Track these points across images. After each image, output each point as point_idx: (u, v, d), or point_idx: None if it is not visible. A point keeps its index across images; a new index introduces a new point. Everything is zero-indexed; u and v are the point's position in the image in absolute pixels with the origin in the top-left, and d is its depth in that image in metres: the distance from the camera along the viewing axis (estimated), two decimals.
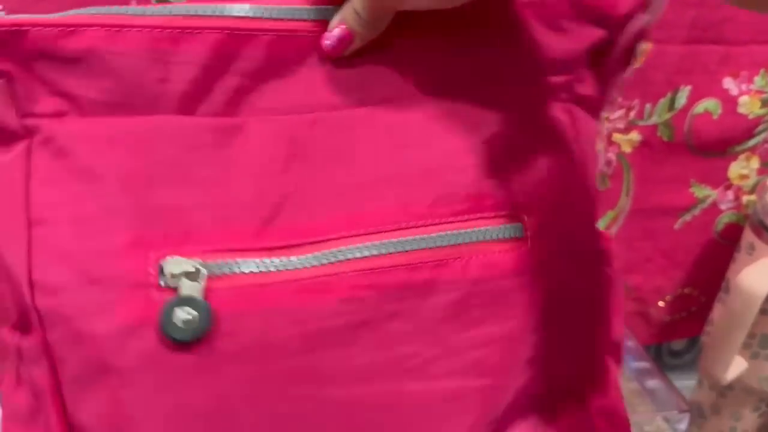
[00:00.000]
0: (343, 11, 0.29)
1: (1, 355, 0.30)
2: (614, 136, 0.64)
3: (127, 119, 0.29)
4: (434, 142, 0.31)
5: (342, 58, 0.30)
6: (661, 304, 0.74)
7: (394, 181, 0.31)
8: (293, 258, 0.29)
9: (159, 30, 0.28)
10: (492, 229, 0.31)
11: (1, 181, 0.29)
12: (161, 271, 0.28)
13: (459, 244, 0.31)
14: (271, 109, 0.30)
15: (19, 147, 0.28)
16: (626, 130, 0.64)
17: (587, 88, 0.35)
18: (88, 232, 0.28)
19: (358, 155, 0.31)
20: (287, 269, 0.29)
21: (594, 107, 0.36)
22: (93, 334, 0.27)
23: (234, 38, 0.29)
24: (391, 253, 0.30)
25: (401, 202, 0.31)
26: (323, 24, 0.30)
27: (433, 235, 0.30)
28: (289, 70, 0.30)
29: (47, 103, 0.28)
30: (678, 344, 0.80)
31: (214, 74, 0.29)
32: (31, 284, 0.28)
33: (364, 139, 0.31)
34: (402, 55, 0.31)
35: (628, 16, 0.34)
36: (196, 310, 0.27)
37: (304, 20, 0.30)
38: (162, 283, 0.27)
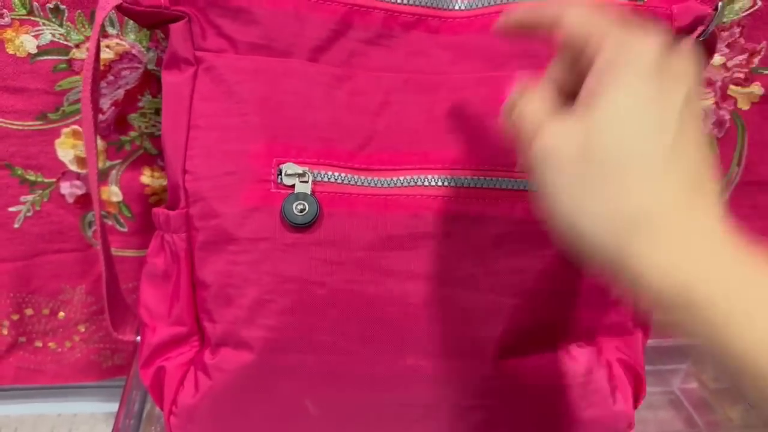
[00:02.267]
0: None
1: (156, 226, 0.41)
2: (730, 88, 0.51)
3: (268, 59, 0.37)
4: (501, 107, 0.37)
5: (438, 38, 0.39)
6: None
7: (462, 132, 0.38)
8: (376, 178, 0.38)
9: None
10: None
11: (175, 93, 0.38)
12: (279, 172, 0.37)
13: (509, 189, 0.38)
14: (376, 67, 0.38)
15: (190, 71, 0.38)
16: (746, 81, 0.51)
17: None
18: (229, 138, 0.37)
19: (436, 109, 0.38)
20: (370, 186, 0.38)
21: None
22: (223, 212, 0.37)
23: (354, 12, 0.38)
24: (451, 186, 0.38)
25: (466, 148, 0.38)
26: (427, 8, 0.39)
27: (488, 178, 0.38)
28: (394, 40, 0.39)
29: (213, 41, 0.37)
30: None
31: (336, 36, 0.38)
32: (184, 171, 0.38)
33: (443, 98, 0.38)
34: (485, 39, 0.38)
35: (684, 31, 0.39)
36: (308, 202, 0.36)
37: (408, 5, 0.38)
38: (279, 180, 0.37)
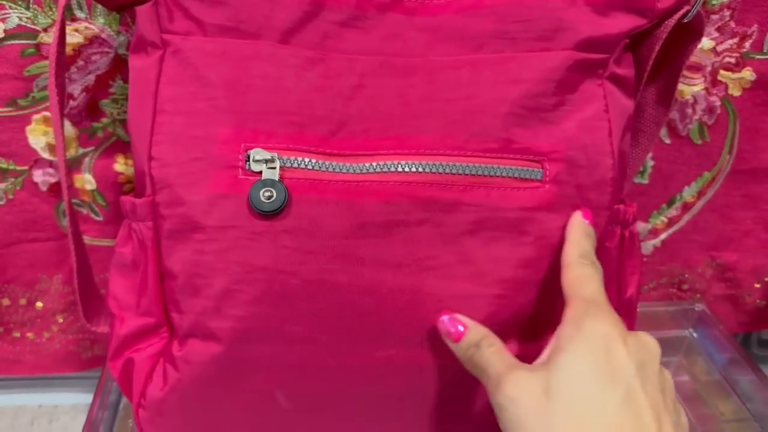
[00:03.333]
0: None
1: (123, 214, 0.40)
2: (721, 73, 0.50)
3: (236, 41, 0.36)
4: (478, 91, 0.38)
5: (414, 19, 0.38)
6: (757, 286, 0.60)
7: (437, 117, 0.37)
8: (348, 164, 0.36)
9: None
10: (515, 168, 0.37)
11: (141, 77, 0.38)
12: (247, 158, 0.36)
13: (484, 176, 0.37)
14: (350, 50, 0.37)
15: (156, 54, 0.37)
16: (738, 66, 0.50)
17: (623, 68, 0.40)
18: (196, 123, 0.36)
19: (411, 93, 0.37)
20: (342, 172, 0.36)
21: (628, 87, 0.41)
22: (189, 199, 0.36)
23: None
24: (426, 173, 0.37)
25: (441, 134, 0.37)
26: None
27: (463, 164, 0.37)
28: (369, 22, 0.38)
29: (180, 23, 0.37)
30: None
31: (308, 18, 0.37)
32: (150, 157, 0.37)
33: (419, 81, 0.38)
34: (462, 20, 0.38)
35: (669, 12, 0.39)
36: (275, 189, 0.35)
37: None
38: (247, 167, 0.36)
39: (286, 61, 0.36)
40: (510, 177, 0.37)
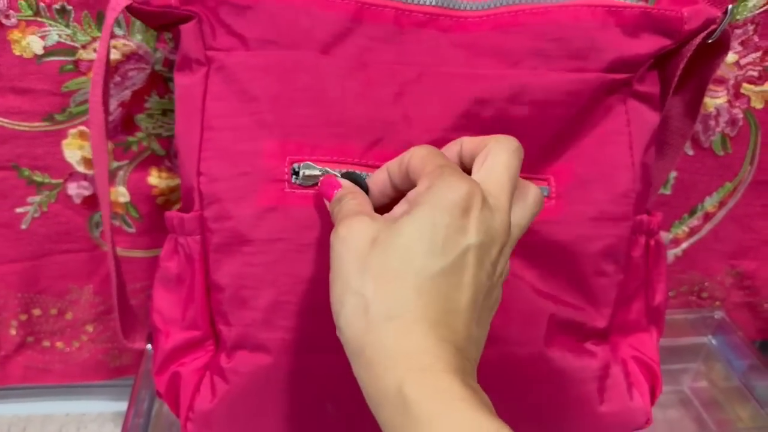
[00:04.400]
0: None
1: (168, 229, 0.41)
2: (744, 86, 0.50)
3: (278, 53, 0.37)
4: (511, 110, 0.38)
5: (450, 35, 0.39)
6: None
7: (467, 130, 0.37)
8: None
9: None
10: None
11: (188, 95, 0.38)
12: (293, 171, 0.37)
13: None
14: (388, 61, 0.38)
15: (202, 71, 0.38)
16: (760, 80, 0.50)
17: (647, 86, 0.41)
18: (242, 138, 0.37)
19: (451, 104, 0.38)
20: None
21: (653, 102, 0.42)
22: (237, 213, 0.37)
23: (365, 9, 0.37)
24: None
25: None
26: (438, 8, 0.38)
27: None
28: (406, 37, 0.38)
29: (223, 39, 0.37)
30: None
31: (346, 33, 0.37)
32: (199, 173, 0.37)
33: (458, 93, 0.38)
34: (498, 37, 0.38)
35: (695, 33, 0.40)
36: None
37: (419, 5, 0.38)
38: (293, 180, 0.37)
39: (327, 71, 0.37)
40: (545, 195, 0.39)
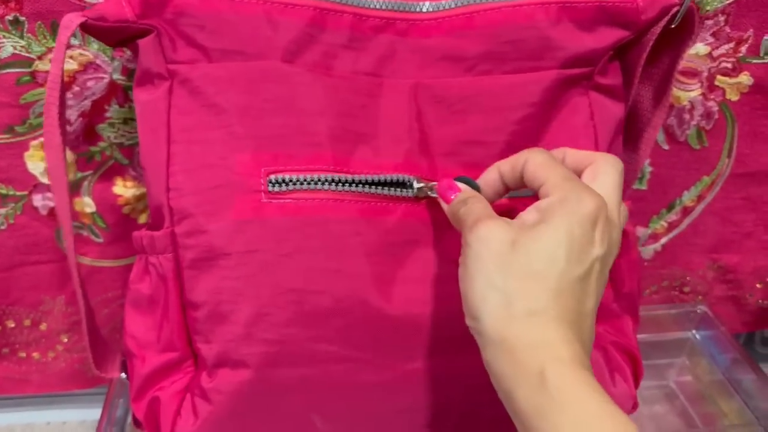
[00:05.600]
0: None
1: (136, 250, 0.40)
2: (718, 78, 0.49)
3: (243, 64, 0.36)
4: (468, 118, 0.39)
5: (407, 40, 0.38)
6: (759, 286, 0.60)
7: (430, 144, 0.39)
8: (368, 182, 0.37)
9: (270, 2, 0.36)
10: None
11: (150, 110, 0.37)
12: (270, 182, 0.36)
13: None
14: (347, 70, 0.38)
15: (164, 86, 0.37)
16: (735, 71, 0.49)
17: (609, 78, 0.41)
18: (213, 151, 0.36)
19: (409, 115, 0.38)
20: (363, 192, 0.37)
21: (616, 93, 0.42)
22: (211, 227, 0.36)
23: (324, 15, 0.37)
24: (424, 197, 0.38)
25: (434, 162, 0.39)
26: (395, 12, 0.38)
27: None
28: (365, 43, 0.38)
29: (185, 52, 0.36)
30: None
31: (309, 39, 0.37)
32: (168, 189, 0.37)
33: (416, 104, 0.38)
34: (452, 42, 0.38)
35: (653, 22, 0.39)
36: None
37: (376, 9, 0.38)
38: (270, 189, 0.36)
39: (294, 80, 0.37)
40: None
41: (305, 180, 0.36)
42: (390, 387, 0.39)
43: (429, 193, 0.37)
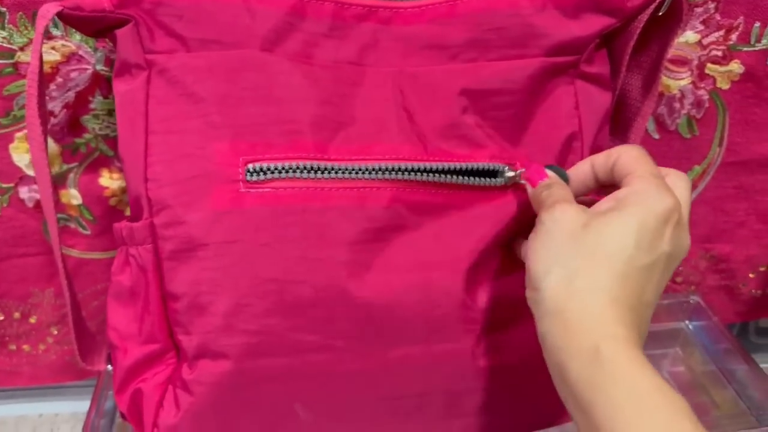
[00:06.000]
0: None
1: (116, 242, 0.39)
2: (708, 66, 0.49)
3: (222, 53, 0.36)
4: (453, 102, 0.38)
5: (390, 28, 0.38)
6: (752, 276, 0.60)
7: (419, 126, 0.38)
8: (347, 170, 0.37)
9: None
10: (490, 179, 0.39)
11: (128, 100, 0.37)
12: (248, 171, 0.36)
13: (465, 185, 0.38)
14: (331, 59, 0.38)
15: (142, 76, 0.37)
16: (725, 59, 0.49)
17: (595, 66, 0.41)
18: (191, 141, 0.36)
19: (393, 101, 0.38)
20: (341, 178, 0.37)
21: (603, 82, 0.41)
22: (190, 218, 0.36)
23: (305, 3, 0.37)
24: (418, 180, 0.38)
25: (422, 143, 0.38)
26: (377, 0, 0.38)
27: (446, 168, 0.38)
28: (346, 32, 0.38)
29: (163, 42, 0.36)
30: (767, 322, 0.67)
31: (289, 28, 0.37)
32: (146, 179, 0.36)
33: (400, 90, 0.38)
34: (436, 29, 0.38)
35: (639, 9, 0.39)
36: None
37: None
38: (248, 179, 0.36)
39: (273, 69, 0.36)
40: (485, 185, 0.38)
41: (284, 168, 0.35)
42: (371, 375, 0.38)
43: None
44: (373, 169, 0.37)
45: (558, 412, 0.45)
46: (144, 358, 0.39)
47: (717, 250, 0.58)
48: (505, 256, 0.40)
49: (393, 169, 0.37)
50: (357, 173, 0.37)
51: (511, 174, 0.38)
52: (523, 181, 0.38)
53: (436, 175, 0.38)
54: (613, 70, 0.42)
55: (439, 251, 0.38)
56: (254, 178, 0.35)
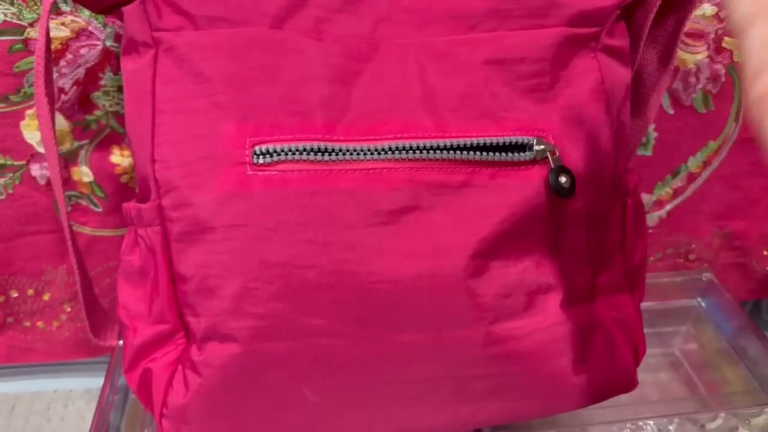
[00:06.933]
0: None
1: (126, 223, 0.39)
2: (725, 40, 0.48)
3: (230, 30, 0.35)
4: (474, 73, 0.37)
5: (401, 2, 0.38)
6: (766, 253, 0.60)
7: (437, 101, 0.37)
8: (357, 151, 0.36)
9: None
10: (514, 153, 0.37)
11: (136, 79, 0.37)
12: (255, 153, 0.35)
13: (488, 161, 0.37)
14: (342, 35, 0.37)
15: (149, 54, 0.36)
16: None
17: (616, 39, 0.40)
18: (198, 122, 0.35)
19: (411, 76, 0.37)
20: (351, 159, 0.36)
21: (624, 56, 0.40)
22: (197, 200, 0.35)
23: None
24: (432, 159, 0.36)
25: (441, 119, 0.37)
26: None
27: (468, 144, 0.36)
28: (359, 5, 0.37)
29: (170, 19, 0.36)
30: None
31: (298, 3, 0.36)
32: (153, 160, 0.36)
33: (416, 65, 0.37)
34: (448, 1, 0.38)
35: None
36: (568, 174, 0.37)
37: None
38: (255, 161, 0.35)
39: (282, 47, 0.36)
40: (510, 161, 0.37)
41: (290, 150, 0.35)
42: (379, 360, 0.38)
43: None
44: (384, 149, 0.36)
45: (566, 400, 0.44)
46: (153, 337, 0.39)
47: (731, 228, 0.58)
48: (524, 241, 0.39)
49: (406, 148, 0.36)
50: (367, 154, 0.36)
51: (540, 147, 0.37)
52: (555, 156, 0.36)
53: (456, 152, 0.36)
54: (631, 45, 0.41)
55: (454, 235, 0.37)
56: (261, 160, 0.35)
